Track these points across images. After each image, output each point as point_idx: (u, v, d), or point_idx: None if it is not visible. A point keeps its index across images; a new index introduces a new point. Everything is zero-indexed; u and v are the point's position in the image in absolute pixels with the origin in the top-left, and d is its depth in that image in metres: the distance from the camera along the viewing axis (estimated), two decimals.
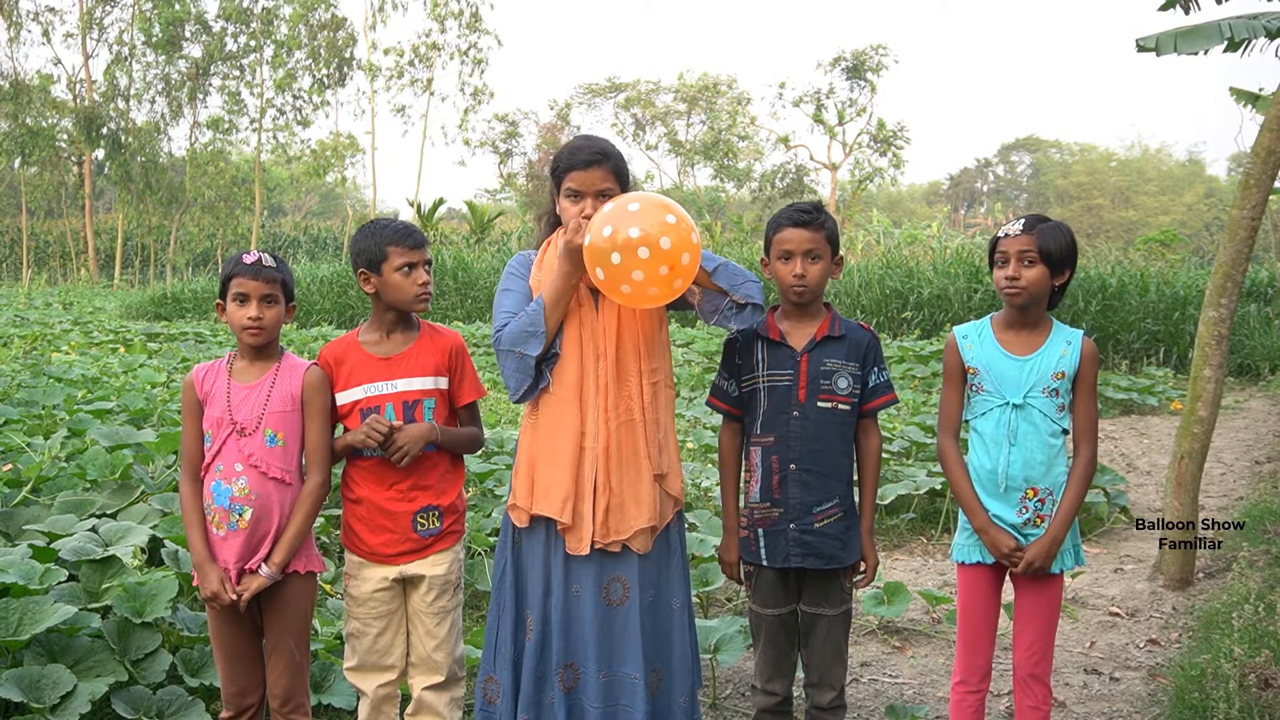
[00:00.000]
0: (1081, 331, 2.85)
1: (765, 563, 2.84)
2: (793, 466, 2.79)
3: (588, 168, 2.64)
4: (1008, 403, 2.78)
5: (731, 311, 2.66)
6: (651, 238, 2.44)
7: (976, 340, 2.87)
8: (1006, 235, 2.79)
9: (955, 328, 2.96)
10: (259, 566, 2.65)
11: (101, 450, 4.93)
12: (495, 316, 2.72)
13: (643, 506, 2.63)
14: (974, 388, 2.86)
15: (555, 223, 2.81)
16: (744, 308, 2.66)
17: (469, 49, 35.45)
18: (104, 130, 31.36)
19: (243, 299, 2.67)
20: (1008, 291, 2.77)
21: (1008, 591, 2.92)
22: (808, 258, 2.80)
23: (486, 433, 6.22)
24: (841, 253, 2.89)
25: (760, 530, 2.84)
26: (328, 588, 3.98)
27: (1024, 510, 2.77)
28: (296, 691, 2.76)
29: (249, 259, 2.69)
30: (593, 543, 2.61)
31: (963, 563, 2.88)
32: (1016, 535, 2.77)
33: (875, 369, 2.87)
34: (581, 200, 2.63)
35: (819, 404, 2.80)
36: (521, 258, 2.82)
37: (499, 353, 2.66)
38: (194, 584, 2.86)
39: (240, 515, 2.64)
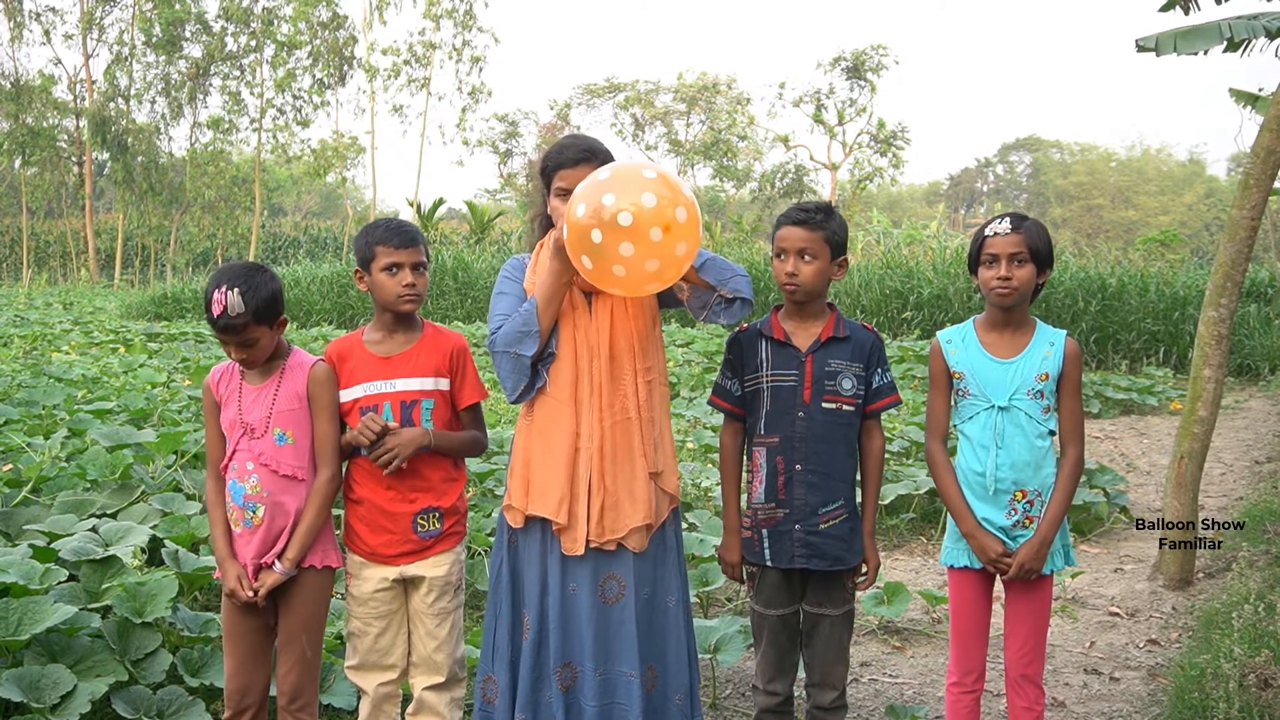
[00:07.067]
0: (1064, 332, 2.84)
1: (770, 563, 2.84)
2: (798, 467, 2.79)
3: (576, 165, 2.65)
4: (993, 406, 2.78)
5: (720, 306, 2.64)
6: (632, 199, 2.24)
7: (960, 344, 2.86)
8: (995, 235, 2.75)
9: (939, 332, 2.95)
10: (273, 562, 2.66)
11: (101, 450, 4.94)
12: (490, 319, 2.72)
13: (638, 505, 2.63)
14: (960, 392, 2.85)
15: (547, 225, 2.81)
16: (733, 302, 2.64)
17: (464, 47, 35.42)
18: (112, 131, 31.36)
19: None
20: (1000, 292, 2.75)
21: (1001, 590, 2.92)
22: (800, 256, 2.79)
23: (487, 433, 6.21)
24: (846, 255, 2.86)
25: (764, 531, 2.83)
26: None
27: (1013, 512, 2.77)
28: (305, 689, 2.75)
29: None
30: (588, 541, 2.61)
31: (952, 566, 2.88)
32: (1005, 538, 2.77)
33: (879, 370, 2.87)
34: None
35: (823, 405, 2.80)
36: (516, 261, 2.82)
37: (494, 354, 2.65)
38: (214, 577, 2.88)
39: (254, 513, 2.67)
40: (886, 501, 5.64)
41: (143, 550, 3.73)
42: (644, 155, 40.64)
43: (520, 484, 2.68)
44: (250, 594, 2.65)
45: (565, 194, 2.64)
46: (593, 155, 2.66)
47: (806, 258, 2.78)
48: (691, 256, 2.43)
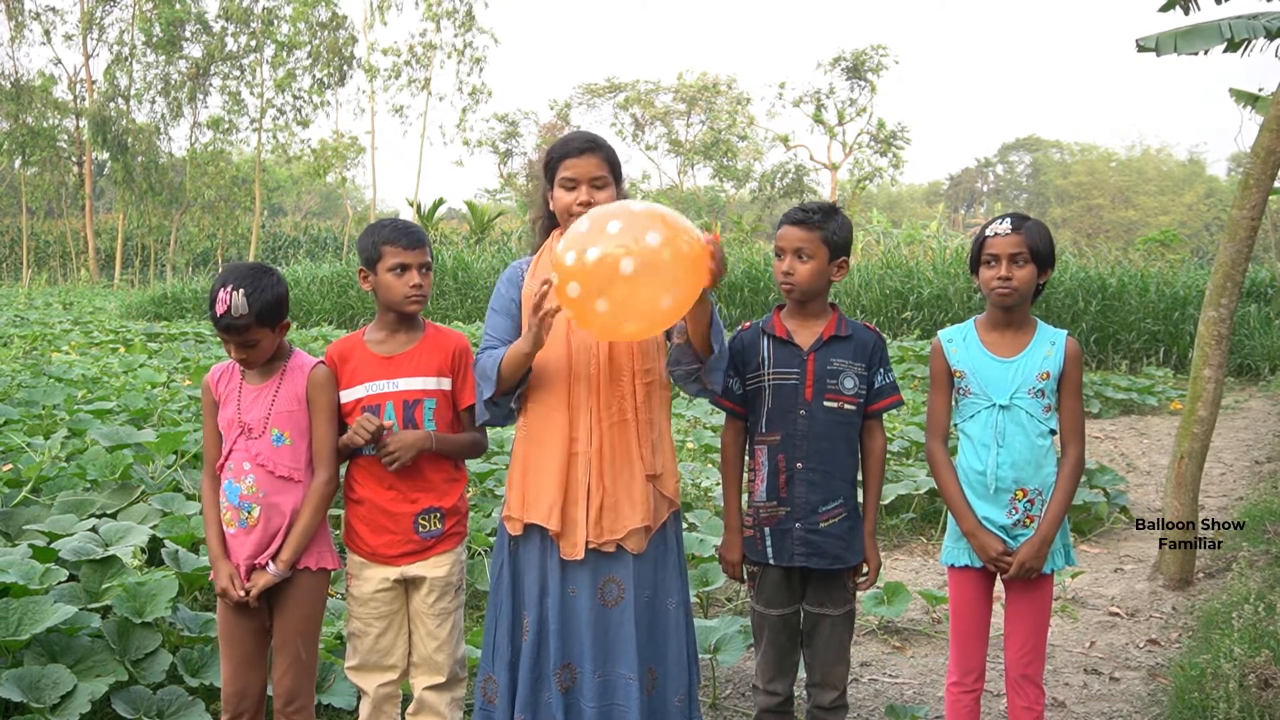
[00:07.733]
0: (1065, 332, 2.84)
1: (771, 561, 2.84)
2: (799, 466, 2.79)
3: (581, 155, 2.67)
4: (994, 404, 2.78)
5: (690, 378, 2.66)
6: (608, 259, 2.28)
7: (961, 343, 2.87)
8: (995, 235, 2.75)
9: (940, 332, 2.95)
10: (266, 563, 2.66)
11: (101, 450, 4.94)
12: (483, 336, 2.75)
13: (636, 507, 2.63)
14: (961, 391, 2.85)
15: (549, 227, 2.82)
16: (700, 385, 2.66)
17: (465, 48, 35.40)
18: (112, 131, 31.35)
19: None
20: (1000, 292, 2.75)
21: (1002, 590, 2.91)
22: (797, 255, 2.80)
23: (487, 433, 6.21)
24: (846, 256, 2.86)
25: (766, 529, 2.83)
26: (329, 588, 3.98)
27: (1014, 511, 2.77)
28: (301, 692, 2.75)
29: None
30: (587, 543, 2.61)
31: (952, 565, 2.88)
32: (1005, 537, 2.77)
33: (881, 370, 2.87)
34: (576, 188, 2.65)
35: (825, 404, 2.80)
36: (514, 270, 2.82)
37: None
38: (209, 578, 2.88)
39: (249, 513, 2.66)
40: (886, 501, 5.64)
41: (143, 550, 3.73)
42: (644, 155, 40.64)
43: (517, 494, 2.68)
44: (241, 594, 2.64)
45: (569, 184, 2.66)
46: (598, 146, 2.69)
47: (803, 257, 2.79)
48: (639, 337, 2.53)
